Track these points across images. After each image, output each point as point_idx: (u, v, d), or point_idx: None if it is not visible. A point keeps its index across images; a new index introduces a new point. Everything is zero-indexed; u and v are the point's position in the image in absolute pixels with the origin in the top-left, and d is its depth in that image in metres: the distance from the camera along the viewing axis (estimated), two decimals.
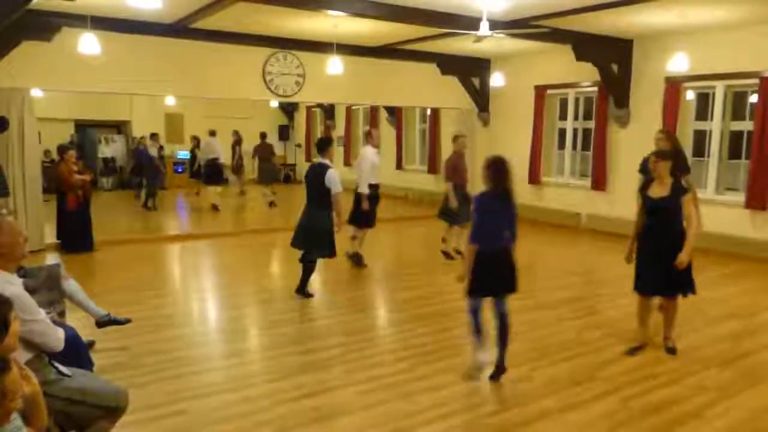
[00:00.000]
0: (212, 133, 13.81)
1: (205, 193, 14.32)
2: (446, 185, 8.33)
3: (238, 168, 15.40)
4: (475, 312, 4.28)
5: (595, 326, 5.63)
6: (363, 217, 7.79)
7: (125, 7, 7.60)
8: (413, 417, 3.78)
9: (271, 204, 13.73)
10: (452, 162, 8.32)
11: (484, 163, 4.28)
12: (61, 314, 4.59)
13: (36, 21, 8.04)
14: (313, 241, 6.40)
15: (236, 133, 15.36)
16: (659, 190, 4.77)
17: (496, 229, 4.21)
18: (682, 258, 4.61)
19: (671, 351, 4.93)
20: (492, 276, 4.22)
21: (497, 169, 4.23)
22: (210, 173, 13.46)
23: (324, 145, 6.56)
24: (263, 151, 14.46)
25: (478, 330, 4.30)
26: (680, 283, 4.79)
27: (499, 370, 4.36)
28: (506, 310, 4.31)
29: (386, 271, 8.03)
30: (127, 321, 4.99)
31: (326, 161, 6.42)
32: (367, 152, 7.83)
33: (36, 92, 10.29)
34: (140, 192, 14.09)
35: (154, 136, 14.27)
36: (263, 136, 14.78)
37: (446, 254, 8.38)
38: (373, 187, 7.76)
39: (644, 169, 5.27)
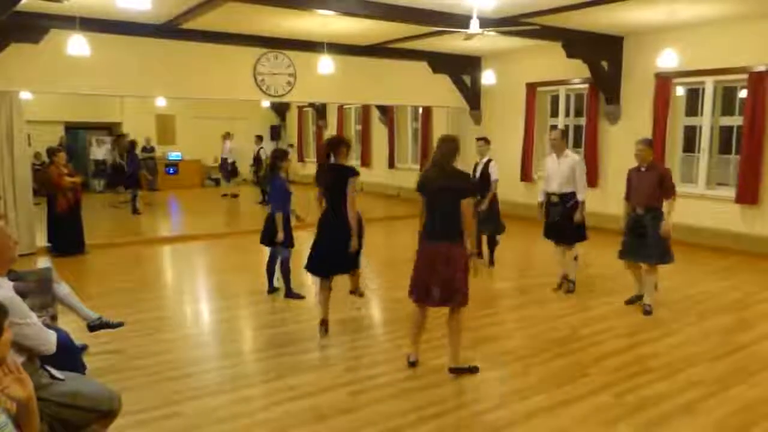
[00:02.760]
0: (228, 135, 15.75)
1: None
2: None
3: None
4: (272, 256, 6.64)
5: (589, 322, 5.66)
6: None
7: (114, 8, 7.55)
8: (407, 416, 3.78)
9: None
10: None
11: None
12: (53, 318, 4.56)
13: (24, 23, 7.97)
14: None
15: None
16: None
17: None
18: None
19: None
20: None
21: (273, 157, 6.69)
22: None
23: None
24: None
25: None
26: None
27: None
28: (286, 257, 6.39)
29: (377, 270, 8.03)
30: (120, 324, 4.96)
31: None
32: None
33: (25, 95, 10.21)
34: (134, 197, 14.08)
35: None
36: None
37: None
38: (546, 196, 7.01)
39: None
